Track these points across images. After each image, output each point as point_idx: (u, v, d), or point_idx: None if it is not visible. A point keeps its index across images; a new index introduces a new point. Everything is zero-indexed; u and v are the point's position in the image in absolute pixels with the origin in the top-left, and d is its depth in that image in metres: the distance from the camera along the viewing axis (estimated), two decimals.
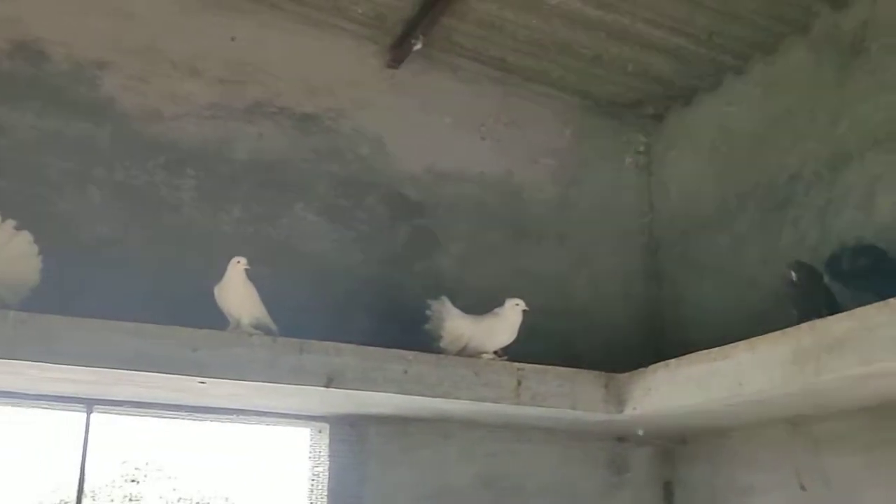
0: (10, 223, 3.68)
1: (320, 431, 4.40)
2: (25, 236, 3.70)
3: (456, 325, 4.18)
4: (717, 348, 3.88)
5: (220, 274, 3.92)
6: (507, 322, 4.23)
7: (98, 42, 4.41)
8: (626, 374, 4.28)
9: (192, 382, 3.73)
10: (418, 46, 4.75)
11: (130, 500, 4.33)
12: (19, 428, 4.17)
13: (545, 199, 5.22)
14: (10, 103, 4.20)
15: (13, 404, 4.01)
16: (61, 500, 4.21)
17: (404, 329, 4.28)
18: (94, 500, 4.20)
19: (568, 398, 4.19)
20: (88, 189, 4.24)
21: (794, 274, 3.92)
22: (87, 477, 4.03)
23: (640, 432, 4.64)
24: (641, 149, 5.53)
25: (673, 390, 4.06)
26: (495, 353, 4.21)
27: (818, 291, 3.84)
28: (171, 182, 4.41)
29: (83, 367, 3.53)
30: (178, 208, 4.39)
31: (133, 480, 4.40)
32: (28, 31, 4.30)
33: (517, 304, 4.24)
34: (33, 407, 4.04)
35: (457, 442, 4.53)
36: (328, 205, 4.68)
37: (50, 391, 3.95)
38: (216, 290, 3.89)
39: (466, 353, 4.17)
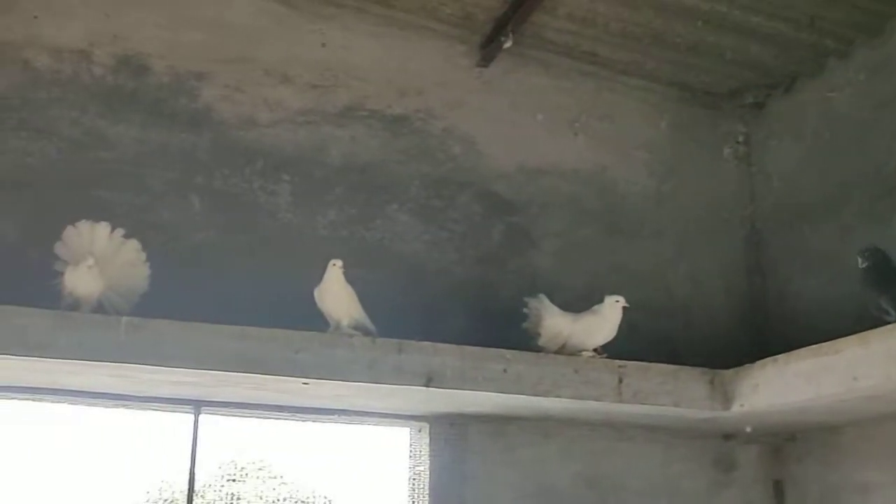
0: (119, 232, 3.82)
1: (420, 431, 4.42)
2: (134, 244, 3.84)
3: (555, 323, 4.14)
4: (827, 343, 3.75)
5: (317, 276, 3.97)
6: (606, 319, 4.18)
7: (195, 54, 4.52)
8: (732, 371, 4.18)
9: (295, 383, 3.80)
10: (508, 44, 4.72)
11: (233, 498, 4.41)
12: (131, 429, 4.30)
13: (641, 193, 5.13)
14: (115, 116, 4.34)
15: (126, 406, 4.14)
16: (169, 499, 4.33)
17: (500, 328, 4.27)
18: (202, 498, 4.30)
19: (671, 395, 4.11)
20: (190, 197, 4.35)
21: (862, 261, 3.78)
22: (196, 476, 4.14)
23: (748, 429, 4.52)
24: (741, 139, 5.39)
25: (782, 386, 3.94)
26: (595, 350, 4.16)
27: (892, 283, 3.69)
28: (268, 188, 4.49)
29: (191, 370, 3.63)
30: (275, 213, 4.46)
31: (236, 480, 4.49)
32: (130, 46, 4.44)
33: (617, 301, 4.18)
34: (145, 409, 4.17)
35: (557, 440, 4.49)
36: (421, 205, 4.70)
37: (160, 394, 4.07)
38: (316, 293, 3.94)
39: (565, 351, 4.13)
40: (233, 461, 4.55)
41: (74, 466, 4.22)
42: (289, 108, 4.62)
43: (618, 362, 4.10)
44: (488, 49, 4.87)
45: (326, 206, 4.54)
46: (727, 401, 4.18)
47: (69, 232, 3.77)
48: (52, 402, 4.06)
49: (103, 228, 3.78)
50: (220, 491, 4.37)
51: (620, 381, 4.05)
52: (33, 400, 4.03)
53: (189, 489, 4.12)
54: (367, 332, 3.92)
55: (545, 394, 3.96)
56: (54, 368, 3.64)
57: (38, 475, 4.17)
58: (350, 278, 3.96)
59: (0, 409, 4.05)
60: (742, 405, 4.12)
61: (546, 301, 4.21)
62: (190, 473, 4.13)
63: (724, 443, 4.78)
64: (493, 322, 4.32)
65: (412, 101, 4.83)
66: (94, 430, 4.25)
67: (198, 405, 4.16)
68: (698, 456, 4.73)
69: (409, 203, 4.67)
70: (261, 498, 4.46)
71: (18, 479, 4.13)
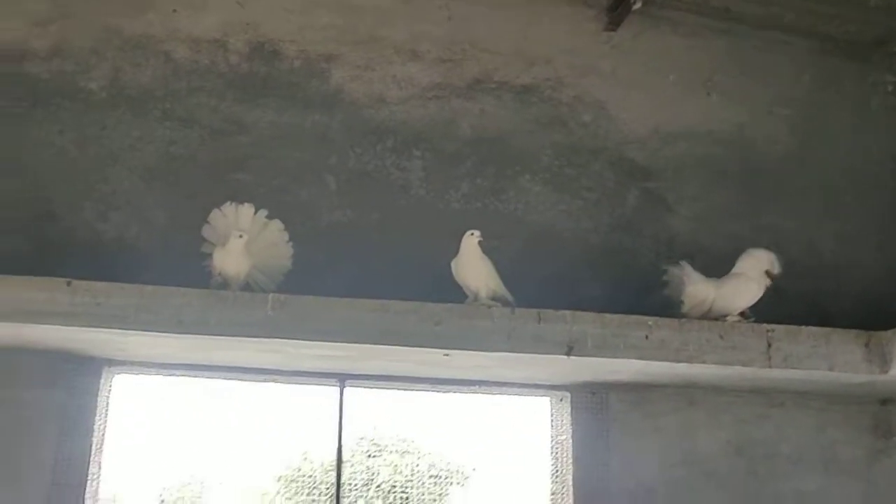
0: (263, 213, 3.95)
1: (561, 400, 4.39)
2: (276, 225, 3.97)
3: (698, 289, 4.02)
4: None
5: (453, 248, 3.99)
6: (751, 282, 4.03)
7: (325, 37, 4.62)
8: (890, 332, 3.94)
9: (436, 355, 3.85)
10: (637, 6, 4.60)
11: (372, 471, 4.49)
12: (277, 403, 4.44)
13: (782, 152, 4.90)
14: (251, 102, 4.49)
15: (274, 381, 4.29)
16: (309, 473, 4.44)
17: (640, 294, 4.19)
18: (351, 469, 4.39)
19: (824, 359, 3.94)
20: (325, 177, 4.45)
21: None
22: (343, 448, 4.25)
23: None
24: (890, 88, 5.08)
25: None
26: (741, 314, 4.03)
27: None
28: (400, 164, 4.54)
29: (334, 343, 3.74)
30: (408, 189, 4.51)
31: (374, 454, 4.56)
32: (262, 33, 4.57)
33: (762, 255, 4.07)
34: (291, 383, 4.31)
35: (703, 408, 4.36)
36: (553, 174, 4.64)
37: (306, 368, 4.20)
38: (453, 265, 3.97)
39: (710, 316, 4.01)
40: (372, 435, 4.62)
41: (225, 439, 4.39)
42: (418, 85, 4.65)
43: (766, 326, 3.96)
44: (616, 12, 4.75)
45: (458, 179, 4.55)
46: (885, 363, 3.95)
47: (215, 214, 3.94)
48: (207, 377, 4.25)
49: (247, 210, 3.92)
50: (360, 465, 4.45)
51: (769, 345, 3.91)
52: (189, 376, 4.23)
53: (337, 461, 4.23)
54: (505, 303, 3.92)
55: (689, 360, 3.87)
56: (208, 345, 3.82)
57: (193, 448, 4.36)
58: (485, 250, 3.97)
59: (160, 384, 4.28)
60: None
61: (688, 268, 4.09)
62: (338, 446, 4.23)
63: (881, 407, 4.53)
64: (632, 289, 4.24)
65: (540, 70, 4.77)
66: (245, 404, 4.41)
67: (342, 378, 4.26)
68: (854, 422, 4.50)
69: (541, 173, 4.63)
70: (399, 472, 4.52)
71: (174, 451, 4.33)
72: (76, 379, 3.99)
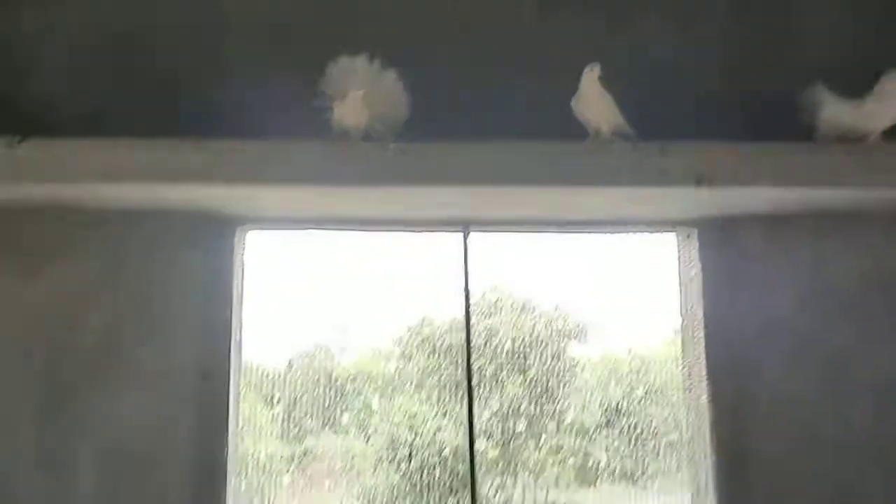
0: (377, 63, 3.93)
1: (688, 236, 4.31)
2: (391, 74, 3.95)
3: (834, 111, 3.82)
4: None
5: (570, 87, 3.87)
6: (890, 100, 3.80)
7: None
8: None
9: (559, 195, 3.83)
10: None
11: (495, 328, 4.54)
12: (399, 254, 4.49)
13: None
14: None
15: (395, 230, 4.37)
16: (432, 333, 4.53)
17: (770, 123, 3.99)
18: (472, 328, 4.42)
19: None
20: (435, 22, 4.32)
21: None
22: (471, 296, 4.32)
23: None
24: None
25: None
26: (882, 134, 3.82)
27: None
28: (513, 1, 4.37)
29: (457, 188, 3.77)
30: (523, 27, 4.32)
31: (493, 313, 4.60)
32: None
33: None
34: (415, 231, 4.37)
35: (838, 238, 4.17)
36: (673, 3, 4.39)
37: (429, 216, 4.25)
38: (573, 102, 3.88)
39: (848, 139, 3.82)
40: (493, 292, 4.65)
41: (352, 296, 4.49)
42: None
43: None
44: None
45: (574, 15, 4.36)
46: None
47: (332, 68, 3.94)
48: (332, 229, 4.36)
49: (363, 61, 3.92)
50: (481, 324, 4.49)
51: None
52: (315, 229, 4.35)
53: (466, 310, 4.29)
54: (627, 138, 3.84)
55: (827, 184, 3.73)
56: (332, 197, 3.92)
57: (321, 306, 4.49)
58: (606, 86, 3.85)
59: (288, 240, 4.42)
60: None
61: (823, 90, 3.88)
62: (465, 301, 4.29)
63: None
64: (762, 117, 4.03)
65: None
66: (368, 257, 4.48)
67: (465, 225, 4.30)
68: None
69: (660, 7, 4.37)
70: (520, 328, 4.56)
71: (303, 309, 4.47)
72: (212, 238, 4.12)
